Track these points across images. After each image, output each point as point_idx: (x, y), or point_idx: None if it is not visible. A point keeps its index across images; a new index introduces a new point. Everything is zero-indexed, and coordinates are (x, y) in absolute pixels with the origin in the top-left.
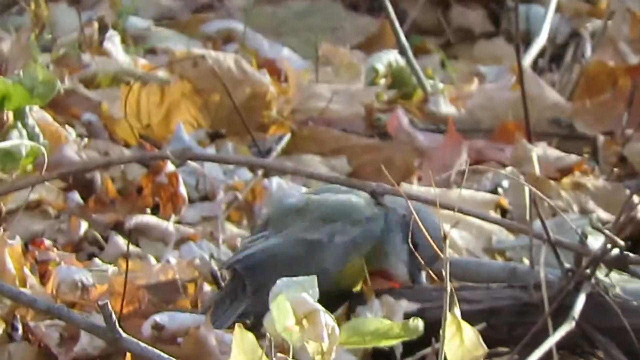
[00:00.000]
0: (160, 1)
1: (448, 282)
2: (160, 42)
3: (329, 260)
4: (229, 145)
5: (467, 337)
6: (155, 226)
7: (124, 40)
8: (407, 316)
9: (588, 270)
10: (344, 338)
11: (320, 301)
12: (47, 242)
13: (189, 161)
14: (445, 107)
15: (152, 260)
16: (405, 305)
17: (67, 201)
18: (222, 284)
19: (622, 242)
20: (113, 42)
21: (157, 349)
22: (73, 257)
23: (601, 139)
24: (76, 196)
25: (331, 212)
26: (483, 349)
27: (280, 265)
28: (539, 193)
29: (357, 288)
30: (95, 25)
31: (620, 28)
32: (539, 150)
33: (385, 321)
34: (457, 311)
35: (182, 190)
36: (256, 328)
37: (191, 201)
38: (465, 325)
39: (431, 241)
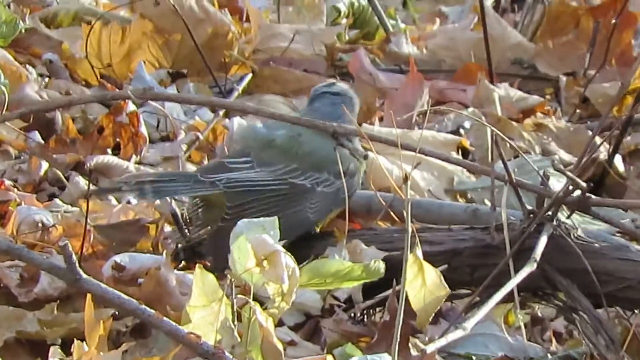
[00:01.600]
0: None
1: (409, 224)
2: None
3: (313, 209)
4: (190, 85)
5: (429, 278)
6: (116, 166)
7: None
8: None
9: (550, 212)
10: (305, 280)
11: (293, 244)
12: (8, 182)
13: (150, 101)
14: (407, 48)
15: (113, 200)
16: (372, 252)
17: (27, 141)
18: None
19: (584, 184)
20: None
21: (117, 290)
22: (34, 197)
23: (563, 79)
24: (37, 136)
25: (319, 161)
26: (445, 290)
27: (263, 200)
28: (501, 134)
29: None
30: None
31: None
32: (501, 91)
33: (346, 263)
34: (419, 252)
35: (143, 130)
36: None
37: (152, 141)
38: (427, 266)
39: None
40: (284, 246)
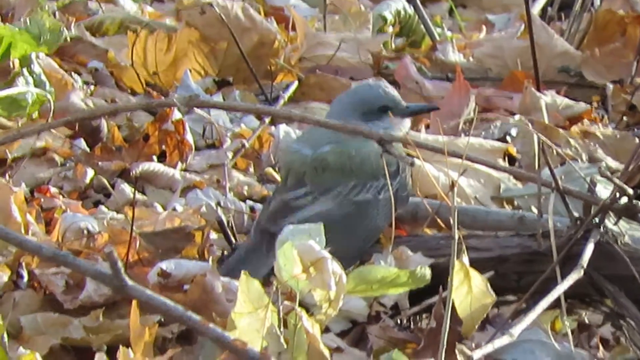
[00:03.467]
0: None
1: (456, 230)
2: None
3: (380, 217)
4: (236, 93)
5: (475, 285)
6: (161, 174)
7: None
8: None
9: (597, 219)
10: (352, 286)
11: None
12: (53, 190)
13: (196, 108)
14: (454, 56)
15: (159, 208)
16: (418, 258)
17: (73, 148)
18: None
19: (630, 191)
20: None
21: (163, 296)
22: (79, 204)
23: (610, 87)
24: (82, 143)
25: (373, 169)
26: (491, 297)
27: (334, 226)
28: (548, 141)
29: None
30: None
31: None
32: (548, 99)
33: (392, 269)
34: (465, 259)
35: (189, 137)
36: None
37: (197, 149)
38: (473, 272)
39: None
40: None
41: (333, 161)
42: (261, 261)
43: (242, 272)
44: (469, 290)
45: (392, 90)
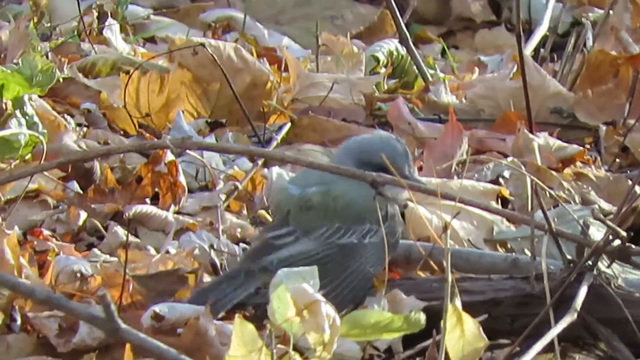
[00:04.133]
0: None
1: (449, 273)
2: (160, 30)
3: (369, 262)
4: (229, 135)
5: (468, 329)
6: (154, 216)
7: (123, 29)
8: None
9: (590, 261)
10: (345, 330)
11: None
12: (46, 232)
13: (189, 150)
14: (446, 97)
15: (152, 250)
16: (412, 302)
17: (66, 191)
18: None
19: (624, 233)
20: (112, 31)
21: (156, 339)
22: (72, 247)
23: (603, 128)
24: (75, 186)
25: (358, 212)
26: (484, 341)
27: (323, 270)
28: (541, 183)
29: None
30: (95, 13)
31: (622, 17)
32: (541, 140)
33: (386, 314)
34: (458, 302)
35: (182, 179)
36: (257, 319)
37: (191, 191)
38: (466, 316)
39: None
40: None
41: (317, 202)
42: (240, 284)
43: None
44: (461, 334)
45: (403, 151)
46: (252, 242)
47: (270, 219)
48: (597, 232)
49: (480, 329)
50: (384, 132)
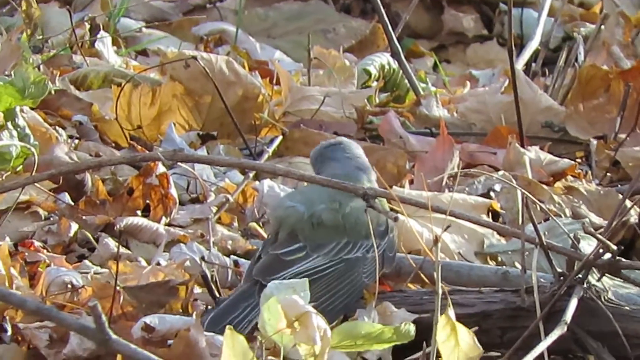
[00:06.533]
0: (151, 3)
1: (440, 286)
2: (152, 43)
3: (366, 274)
4: (220, 147)
5: (462, 338)
6: (145, 228)
7: (115, 42)
8: None
9: (580, 275)
10: (336, 341)
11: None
12: (37, 243)
13: (180, 162)
14: (438, 110)
15: (143, 262)
16: (402, 314)
17: (57, 202)
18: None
19: (614, 247)
20: (104, 43)
21: (147, 350)
22: (63, 258)
23: (594, 143)
24: (66, 197)
25: (366, 229)
26: (479, 350)
27: (323, 283)
28: (532, 197)
29: None
30: (87, 26)
31: (614, 32)
32: (532, 154)
33: (377, 325)
34: (451, 312)
35: (173, 191)
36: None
37: (182, 203)
38: (460, 327)
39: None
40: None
41: (328, 219)
42: (254, 309)
43: (227, 327)
44: (456, 343)
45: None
46: (255, 257)
47: (261, 231)
48: (587, 246)
49: (475, 338)
50: (340, 138)
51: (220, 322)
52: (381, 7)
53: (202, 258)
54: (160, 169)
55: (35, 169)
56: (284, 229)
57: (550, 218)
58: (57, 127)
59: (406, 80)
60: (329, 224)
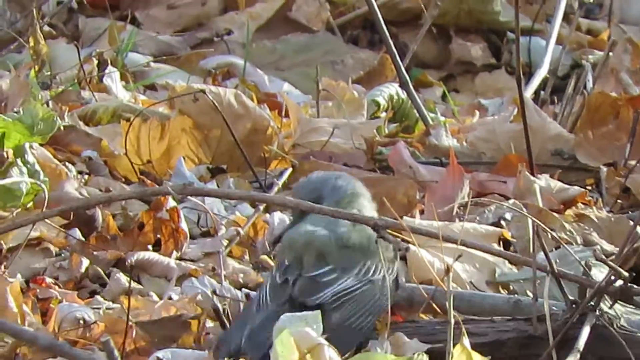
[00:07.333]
0: (159, 37)
1: (452, 316)
2: (160, 77)
3: (385, 296)
4: (230, 180)
5: None
6: (157, 262)
7: (123, 77)
8: None
9: (592, 302)
10: None
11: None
12: (49, 280)
13: (190, 196)
14: (447, 140)
15: (154, 296)
16: (415, 345)
17: (68, 238)
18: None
19: (626, 274)
20: (112, 78)
21: None
22: (75, 294)
23: (604, 170)
24: (77, 233)
25: (391, 253)
26: None
27: (355, 302)
28: (542, 225)
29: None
30: (95, 61)
31: (622, 59)
32: (542, 182)
33: (389, 356)
34: (466, 341)
35: (184, 225)
36: None
37: (192, 237)
38: (475, 355)
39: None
40: None
41: (355, 240)
42: None
43: None
44: None
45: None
46: (266, 283)
47: (272, 264)
48: (599, 273)
49: None
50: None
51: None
52: (389, 38)
53: (214, 292)
54: (171, 203)
55: (45, 205)
56: (310, 253)
57: (561, 246)
58: (66, 163)
59: (415, 111)
60: (355, 246)
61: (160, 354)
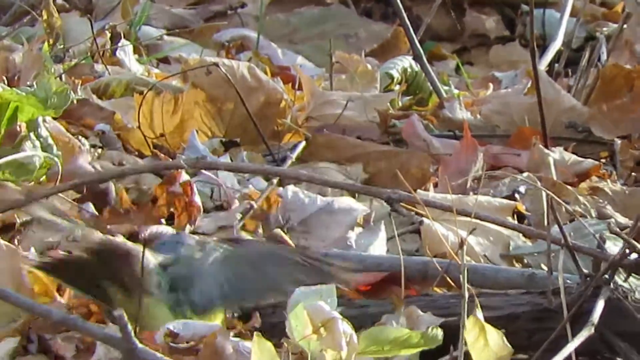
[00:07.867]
0: (172, 10)
1: (466, 289)
2: (173, 51)
3: None
4: (243, 154)
5: (491, 338)
6: None
7: (136, 50)
8: None
9: (607, 275)
10: (363, 347)
11: None
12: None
13: (203, 170)
14: (461, 113)
15: None
16: (429, 318)
17: (81, 212)
18: None
19: None
20: (125, 52)
21: (173, 359)
22: None
23: (618, 142)
24: (90, 207)
25: None
26: (509, 349)
27: None
28: (557, 198)
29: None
30: (108, 34)
31: (636, 31)
32: (556, 155)
33: (404, 330)
34: (479, 314)
35: (197, 199)
36: (273, 336)
37: (206, 211)
38: (489, 327)
39: None
40: None
41: None
42: None
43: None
44: (485, 343)
45: None
46: None
47: (286, 237)
48: (613, 246)
49: (504, 338)
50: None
51: None
52: (402, 11)
53: None
54: (184, 177)
55: (58, 179)
56: None
57: (575, 219)
58: (79, 137)
59: (429, 83)
60: None
61: (171, 325)
